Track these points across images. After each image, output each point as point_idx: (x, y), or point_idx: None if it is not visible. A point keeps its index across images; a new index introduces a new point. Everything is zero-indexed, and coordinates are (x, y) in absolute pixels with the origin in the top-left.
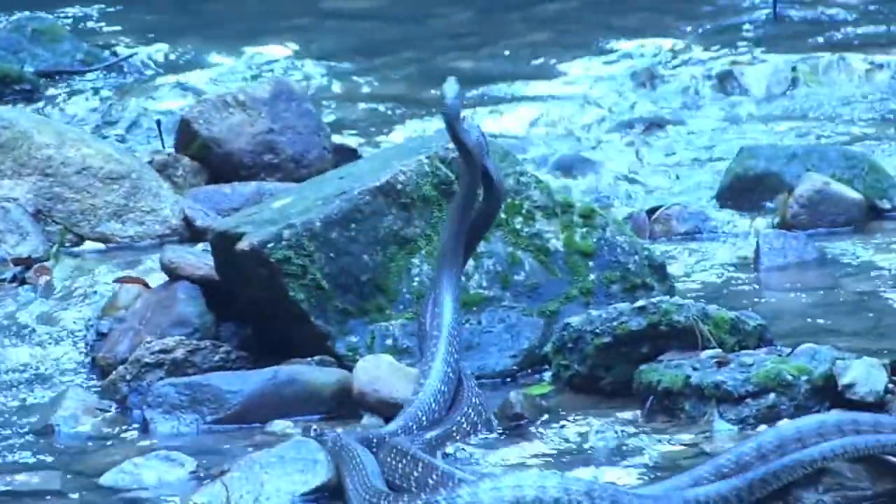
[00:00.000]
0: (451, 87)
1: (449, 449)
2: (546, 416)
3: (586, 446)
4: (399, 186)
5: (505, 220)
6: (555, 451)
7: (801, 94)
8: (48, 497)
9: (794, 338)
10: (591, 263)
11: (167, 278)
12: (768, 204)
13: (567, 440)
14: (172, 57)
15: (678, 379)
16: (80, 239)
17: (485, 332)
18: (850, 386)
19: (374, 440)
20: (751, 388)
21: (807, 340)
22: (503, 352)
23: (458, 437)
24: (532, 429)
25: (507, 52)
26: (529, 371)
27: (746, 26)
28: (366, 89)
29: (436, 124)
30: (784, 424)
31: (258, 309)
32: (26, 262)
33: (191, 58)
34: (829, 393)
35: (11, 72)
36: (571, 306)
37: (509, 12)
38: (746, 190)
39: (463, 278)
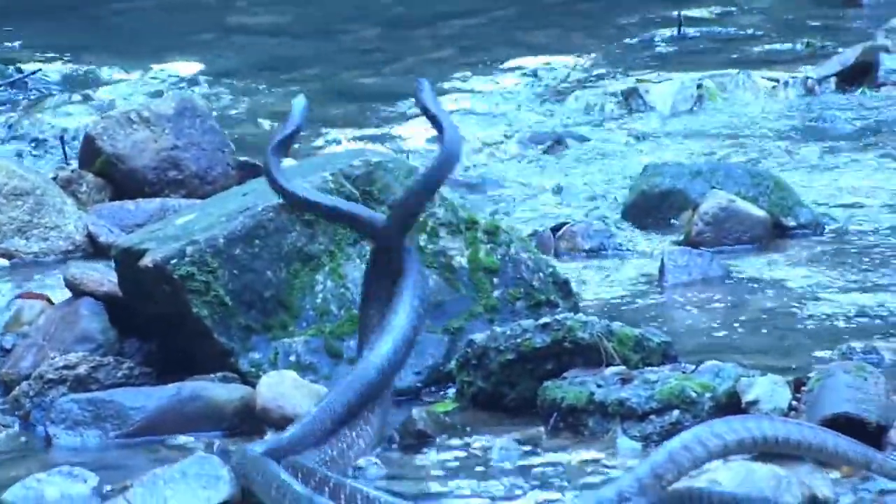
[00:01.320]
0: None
1: (361, 462)
2: (450, 433)
3: (490, 463)
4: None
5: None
6: (458, 468)
7: (706, 112)
8: None
9: (698, 355)
10: (495, 280)
11: (71, 294)
12: (673, 221)
13: (471, 457)
14: (76, 73)
15: (582, 396)
16: None
17: None
18: (753, 403)
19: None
20: (654, 405)
21: (711, 358)
22: (407, 368)
23: (352, 454)
24: (435, 445)
25: (412, 69)
26: (433, 388)
27: (651, 44)
28: (271, 106)
29: (340, 141)
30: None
31: (161, 325)
32: None
33: (94, 74)
34: (732, 410)
35: None
36: (476, 323)
37: (415, 29)
38: (651, 207)
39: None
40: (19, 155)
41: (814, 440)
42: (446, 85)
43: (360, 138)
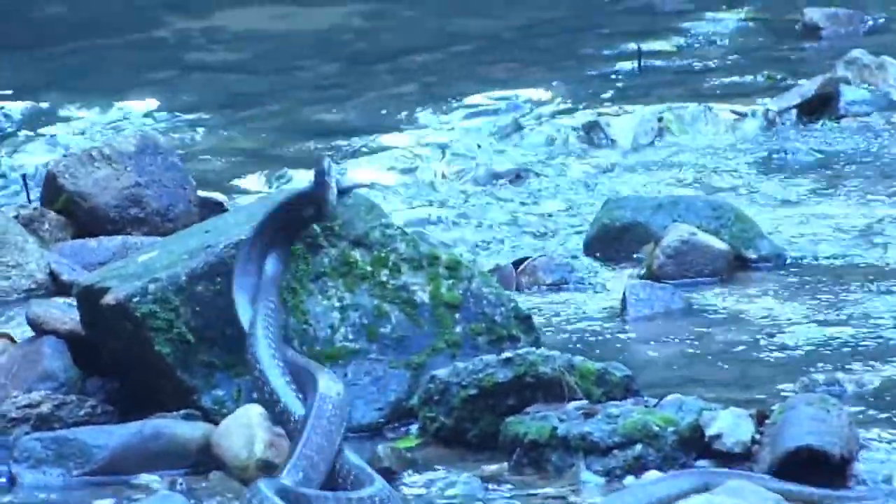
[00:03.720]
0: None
1: None
2: (413, 469)
3: (453, 499)
4: None
5: (371, 272)
6: None
7: (667, 145)
8: None
9: (660, 388)
10: (457, 315)
11: (33, 333)
12: (635, 255)
13: (434, 493)
14: (36, 111)
15: (545, 430)
16: None
17: (351, 385)
18: (717, 437)
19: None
20: (617, 440)
21: (674, 391)
22: (370, 405)
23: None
24: (399, 482)
25: (373, 104)
26: (396, 424)
27: (611, 78)
28: (231, 142)
29: (301, 177)
30: None
31: (124, 363)
32: None
33: (56, 112)
34: (696, 444)
35: None
36: (438, 358)
37: (376, 64)
38: (613, 240)
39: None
40: None
41: None
42: (407, 120)
43: None
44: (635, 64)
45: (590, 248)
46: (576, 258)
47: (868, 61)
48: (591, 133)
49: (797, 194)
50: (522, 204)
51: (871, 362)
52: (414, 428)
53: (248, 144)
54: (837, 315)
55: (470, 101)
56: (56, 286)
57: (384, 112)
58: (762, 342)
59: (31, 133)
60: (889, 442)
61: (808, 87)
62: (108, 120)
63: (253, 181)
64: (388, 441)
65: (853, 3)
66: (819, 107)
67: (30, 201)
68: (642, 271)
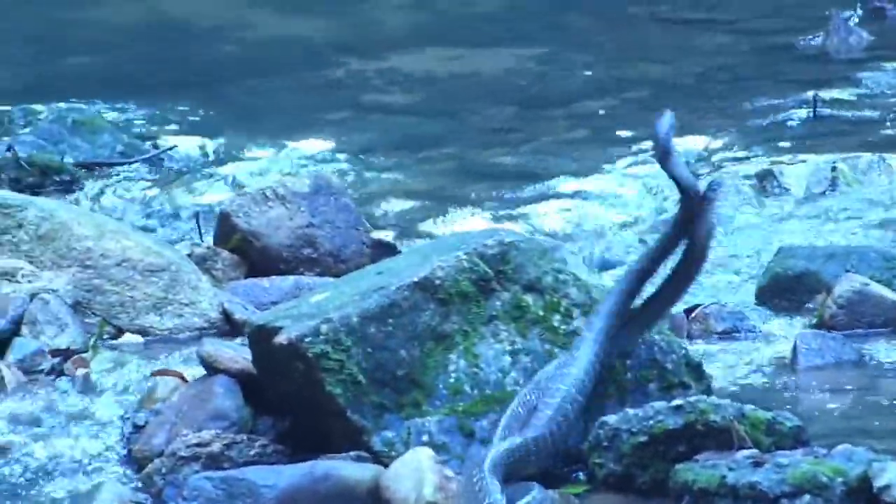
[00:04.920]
0: (665, 121)
1: None
2: None
3: None
4: (437, 282)
5: (543, 317)
6: None
7: (840, 194)
8: None
9: (830, 439)
10: (627, 362)
11: (205, 371)
12: (807, 304)
13: None
14: (211, 150)
15: (714, 478)
16: (119, 331)
17: None
18: (886, 488)
19: None
20: (786, 489)
21: (843, 441)
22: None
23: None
24: None
25: (545, 149)
26: (565, 469)
27: (786, 126)
28: (404, 184)
29: (474, 220)
30: None
31: (295, 403)
32: (65, 354)
33: (230, 152)
34: (864, 495)
35: (52, 163)
36: (608, 404)
37: (550, 109)
38: (785, 290)
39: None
40: (155, 231)
41: None
42: (579, 165)
43: (494, 218)
44: (810, 112)
45: (762, 297)
46: (747, 306)
47: None
48: (765, 181)
49: None
50: None
51: None
52: (582, 474)
53: (421, 187)
54: None
55: (642, 146)
56: (228, 325)
57: (556, 157)
58: None
59: (205, 172)
60: None
61: None
62: (282, 160)
63: (426, 224)
64: (556, 486)
65: None
66: None
67: (203, 240)
68: (814, 321)
